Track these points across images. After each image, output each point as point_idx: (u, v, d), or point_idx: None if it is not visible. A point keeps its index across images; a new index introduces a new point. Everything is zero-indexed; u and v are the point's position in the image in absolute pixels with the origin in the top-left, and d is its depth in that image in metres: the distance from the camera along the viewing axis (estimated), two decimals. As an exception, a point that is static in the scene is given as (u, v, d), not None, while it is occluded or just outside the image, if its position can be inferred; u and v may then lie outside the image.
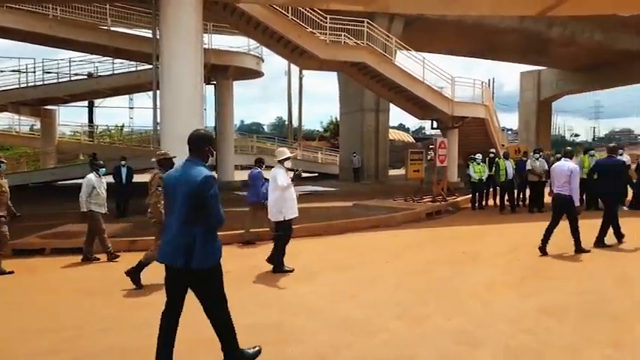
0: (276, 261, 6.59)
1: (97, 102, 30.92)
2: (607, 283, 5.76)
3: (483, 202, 14.10)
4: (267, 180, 7.77)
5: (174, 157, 6.03)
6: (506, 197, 13.26)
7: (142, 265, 5.96)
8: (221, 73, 22.33)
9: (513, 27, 27.25)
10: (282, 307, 5.11)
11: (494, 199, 14.12)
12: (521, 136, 44.51)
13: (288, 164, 6.79)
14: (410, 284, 5.96)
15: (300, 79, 41.13)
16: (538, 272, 6.39)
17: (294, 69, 39.06)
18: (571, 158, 7.88)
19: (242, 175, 18.62)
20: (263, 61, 24.19)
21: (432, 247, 8.65)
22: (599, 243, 7.76)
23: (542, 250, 7.37)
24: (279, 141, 32.35)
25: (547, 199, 13.19)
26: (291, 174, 6.85)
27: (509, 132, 59.83)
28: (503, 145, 22.64)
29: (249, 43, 22.73)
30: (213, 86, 23.27)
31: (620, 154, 11.97)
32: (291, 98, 41.26)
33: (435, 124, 20.31)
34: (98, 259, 7.74)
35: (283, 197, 6.50)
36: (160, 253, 3.48)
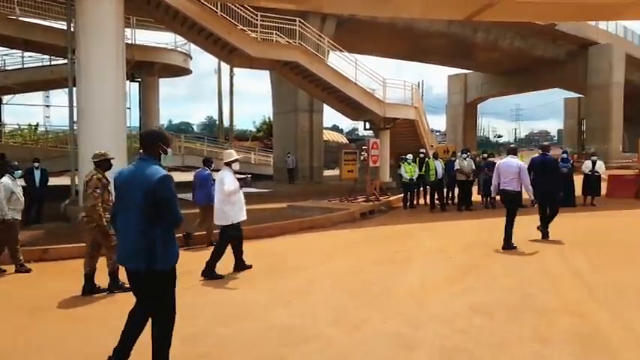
0: (210, 265, 6.32)
1: (5, 99, 28.50)
2: (533, 278, 6.01)
3: (415, 201, 14.46)
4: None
5: (113, 157, 5.89)
6: (436, 196, 13.70)
7: (114, 275, 5.69)
8: (146, 69, 21.38)
9: (442, 31, 28.43)
10: (210, 316, 4.84)
11: (425, 198, 14.53)
12: (449, 137, 46.59)
13: (236, 166, 6.58)
14: (345, 286, 5.89)
15: (231, 77, 40.19)
16: (469, 270, 6.56)
17: (225, 67, 38.33)
18: (515, 155, 8.22)
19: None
20: (191, 58, 23.48)
21: (367, 247, 8.68)
22: (545, 237, 8.34)
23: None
24: (209, 141, 31.46)
25: (476, 197, 13.90)
26: (244, 177, 6.63)
27: (438, 133, 62.37)
28: (432, 146, 23.45)
29: (175, 40, 21.94)
30: (137, 84, 22.19)
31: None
32: (221, 97, 40.29)
33: (367, 125, 20.63)
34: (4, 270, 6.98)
35: (230, 200, 6.32)
36: (119, 256, 3.42)
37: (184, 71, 23.76)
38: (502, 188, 7.83)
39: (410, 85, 21.17)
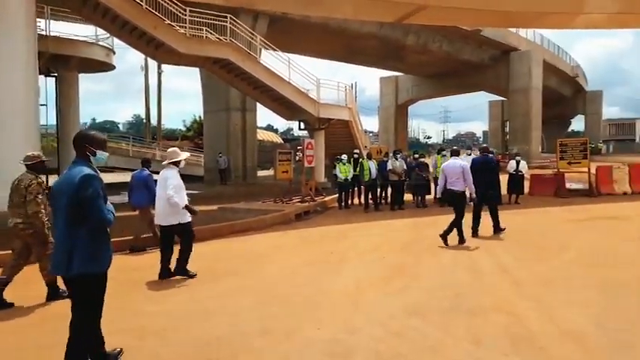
0: (182, 265, 6.36)
1: None
2: (464, 277, 6.11)
3: (349, 202, 14.53)
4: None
5: (48, 159, 5.76)
6: (370, 196, 13.83)
7: (52, 283, 5.41)
8: (63, 63, 19.96)
9: (374, 33, 28.96)
10: (127, 330, 4.43)
11: (359, 198, 14.64)
12: (381, 138, 47.68)
13: (182, 165, 6.46)
14: (277, 291, 5.68)
15: (159, 74, 38.81)
16: (403, 270, 6.57)
17: (153, 64, 36.86)
18: (458, 156, 8.59)
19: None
20: (114, 53, 22.22)
21: (301, 249, 8.52)
22: (497, 230, 8.84)
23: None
24: (135, 141, 30.10)
25: (407, 197, 14.19)
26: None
27: (371, 134, 63.72)
28: (366, 147, 23.80)
29: (96, 32, 20.68)
30: (54, 79, 20.65)
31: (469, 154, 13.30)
32: (148, 95, 38.82)
33: (302, 125, 20.53)
34: None
35: (179, 197, 6.14)
36: (51, 261, 3.41)
37: (107, 66, 22.44)
38: (449, 188, 8.14)
39: (344, 87, 21.32)
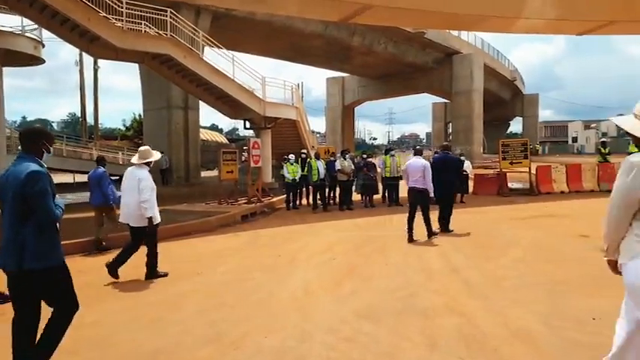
0: (152, 266, 6.33)
1: None
2: (415, 277, 6.06)
3: (298, 202, 14.36)
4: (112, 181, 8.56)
5: None
6: (318, 196, 13.70)
7: None
8: (-16, 56, 18.48)
9: (319, 32, 28.94)
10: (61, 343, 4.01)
11: (308, 199, 14.48)
12: (328, 139, 47.79)
13: (156, 158, 6.52)
14: (223, 298, 5.39)
15: (96, 70, 36.98)
16: (353, 271, 6.45)
17: (89, 59, 35.08)
18: (421, 155, 8.80)
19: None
20: (43, 45, 20.84)
21: (249, 251, 8.24)
22: (445, 229, 9.12)
23: (410, 239, 8.31)
24: (69, 140, 28.52)
25: (355, 197, 14.18)
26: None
27: (318, 134, 63.89)
28: (313, 147, 23.73)
29: (23, 23, 19.30)
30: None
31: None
32: (84, 91, 36.81)
33: (247, 125, 20.09)
34: None
35: (152, 201, 6.17)
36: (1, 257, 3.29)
37: (35, 60, 21.00)
38: (412, 186, 8.49)
39: (290, 86, 21.09)
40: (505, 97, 56.85)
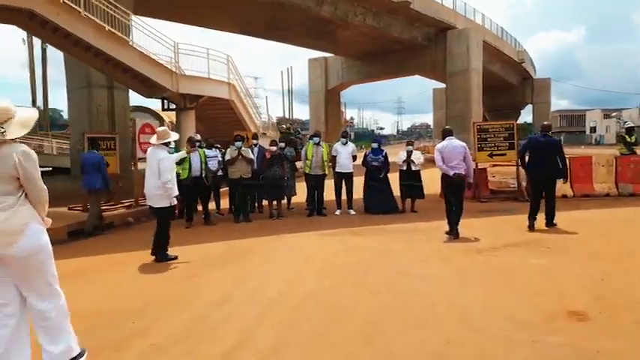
0: (162, 249, 6.58)
1: None
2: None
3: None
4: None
5: None
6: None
7: None
8: None
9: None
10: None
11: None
12: (312, 126, 44.80)
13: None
14: None
15: (44, 49, 34.27)
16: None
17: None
18: (453, 136, 8.07)
19: None
20: None
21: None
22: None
23: (456, 235, 7.72)
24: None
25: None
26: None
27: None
28: (264, 133, 20.93)
29: None
30: None
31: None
32: (34, 75, 34.59)
33: (167, 105, 17.22)
34: None
35: (173, 182, 6.46)
36: None
37: None
38: (456, 172, 7.76)
39: (225, 57, 18.10)
40: (513, 81, 53.47)
